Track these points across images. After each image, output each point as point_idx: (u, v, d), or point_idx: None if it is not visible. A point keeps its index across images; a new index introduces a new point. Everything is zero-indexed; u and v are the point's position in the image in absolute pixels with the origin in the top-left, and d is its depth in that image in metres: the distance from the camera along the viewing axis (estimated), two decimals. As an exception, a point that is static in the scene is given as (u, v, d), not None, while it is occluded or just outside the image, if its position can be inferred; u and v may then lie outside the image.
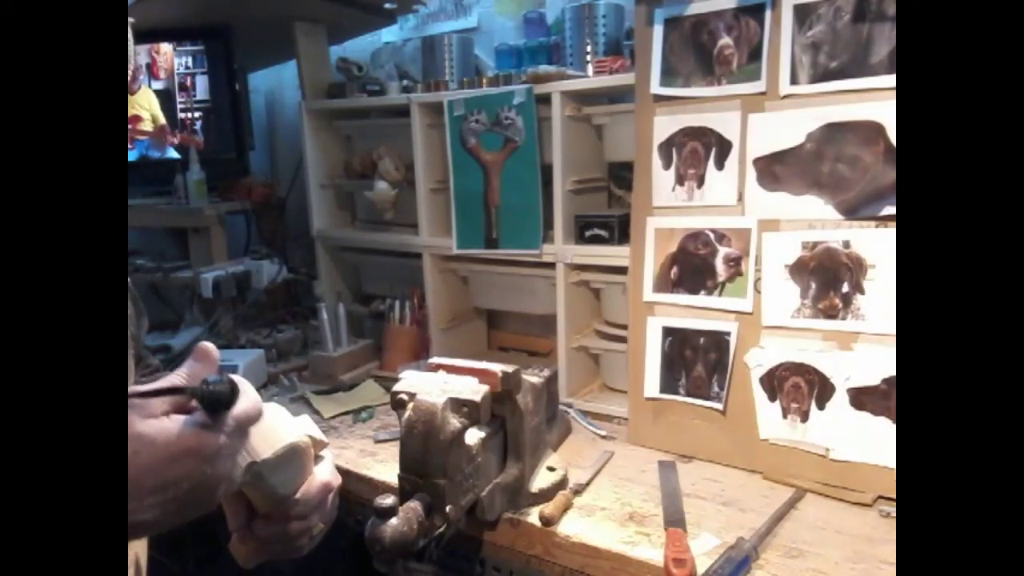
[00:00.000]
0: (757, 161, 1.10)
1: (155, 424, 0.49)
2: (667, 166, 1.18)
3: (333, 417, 1.40)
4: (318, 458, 0.66)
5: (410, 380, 0.94)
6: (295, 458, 0.63)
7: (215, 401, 0.51)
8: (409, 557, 0.82)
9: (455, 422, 0.86)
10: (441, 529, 0.85)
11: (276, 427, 0.61)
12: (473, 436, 0.92)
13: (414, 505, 0.83)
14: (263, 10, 1.71)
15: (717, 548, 0.90)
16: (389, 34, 2.03)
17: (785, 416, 1.08)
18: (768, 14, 1.08)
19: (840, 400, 1.03)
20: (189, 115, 1.94)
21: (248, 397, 0.54)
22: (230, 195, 1.98)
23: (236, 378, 0.56)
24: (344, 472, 0.70)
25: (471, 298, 1.66)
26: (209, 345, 0.56)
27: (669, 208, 1.19)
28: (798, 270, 1.07)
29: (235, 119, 1.95)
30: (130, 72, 0.62)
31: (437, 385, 0.91)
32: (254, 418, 0.54)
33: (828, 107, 1.03)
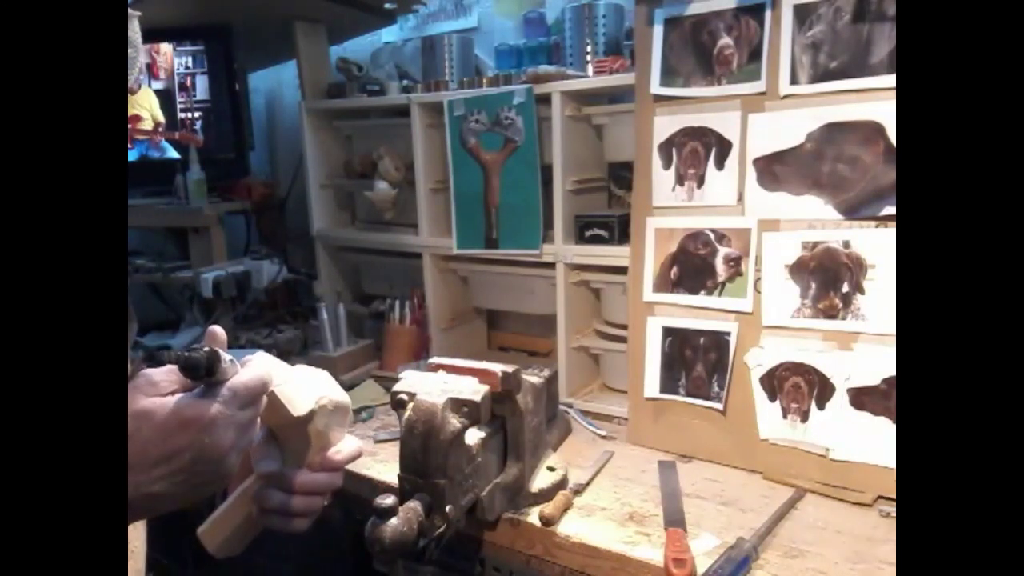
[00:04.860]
0: (757, 161, 1.10)
1: (157, 401, 0.52)
2: (667, 166, 1.18)
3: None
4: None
5: (410, 380, 0.94)
6: (345, 415, 0.71)
7: (191, 367, 0.53)
8: (409, 557, 0.82)
9: (455, 422, 0.86)
10: (441, 529, 0.85)
11: (336, 385, 0.69)
12: (473, 436, 0.92)
13: (414, 505, 0.83)
14: (263, 10, 1.71)
15: (717, 548, 0.90)
16: (389, 34, 2.03)
17: (785, 416, 1.08)
18: (768, 14, 1.08)
19: (840, 400, 1.03)
20: (189, 115, 1.94)
21: (252, 370, 0.57)
22: (230, 195, 1.98)
23: (260, 356, 0.60)
24: (344, 472, 0.70)
25: (471, 298, 1.66)
26: (217, 328, 0.61)
27: (669, 208, 1.19)
28: (798, 270, 1.07)
29: (235, 119, 1.95)
30: (140, 68, 0.64)
31: (437, 385, 0.91)
32: (255, 389, 0.57)
33: (828, 107, 1.03)
